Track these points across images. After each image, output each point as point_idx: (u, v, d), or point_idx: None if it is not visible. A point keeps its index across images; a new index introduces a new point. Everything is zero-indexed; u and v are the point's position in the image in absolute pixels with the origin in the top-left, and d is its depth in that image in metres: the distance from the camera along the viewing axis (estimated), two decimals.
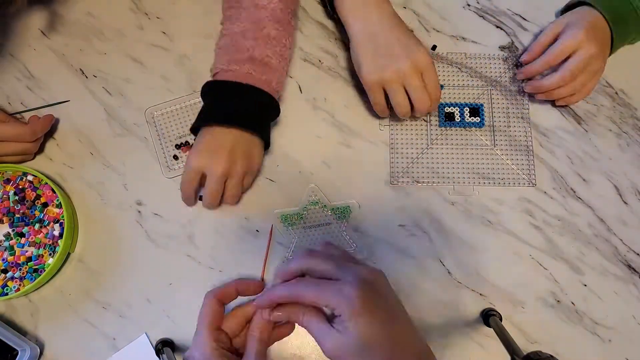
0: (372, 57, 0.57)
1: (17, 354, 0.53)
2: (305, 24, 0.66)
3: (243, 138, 0.54)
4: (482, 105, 0.63)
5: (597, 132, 0.63)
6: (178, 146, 0.61)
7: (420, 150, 0.62)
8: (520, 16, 0.67)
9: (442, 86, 0.64)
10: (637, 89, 0.64)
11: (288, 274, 0.44)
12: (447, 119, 0.63)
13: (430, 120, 0.63)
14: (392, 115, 0.60)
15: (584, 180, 0.61)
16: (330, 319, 0.41)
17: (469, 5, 0.68)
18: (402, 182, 0.61)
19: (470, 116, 0.63)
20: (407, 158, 0.62)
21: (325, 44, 0.66)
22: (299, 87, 0.64)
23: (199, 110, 0.62)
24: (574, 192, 0.61)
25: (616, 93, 0.64)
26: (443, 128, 0.63)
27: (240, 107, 0.55)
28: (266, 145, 0.57)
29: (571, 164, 0.62)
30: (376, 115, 0.63)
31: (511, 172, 0.61)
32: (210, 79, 0.58)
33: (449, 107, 0.63)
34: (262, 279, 0.57)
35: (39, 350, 0.55)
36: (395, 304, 0.42)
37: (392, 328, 0.40)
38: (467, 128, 0.63)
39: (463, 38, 0.66)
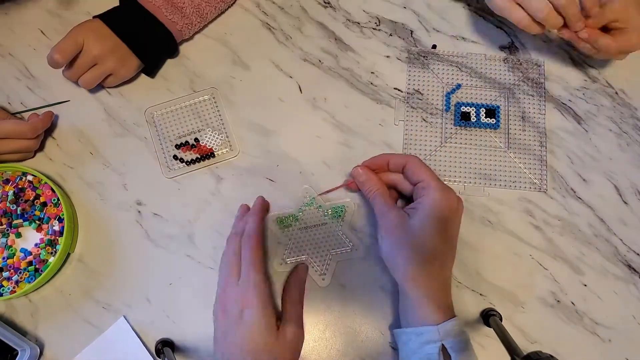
0: None
1: (17, 354, 0.53)
2: (305, 24, 0.66)
3: (125, 50, 0.59)
4: (498, 106, 0.63)
5: (597, 132, 0.63)
6: (178, 146, 0.61)
7: (433, 147, 0.62)
8: None
9: (459, 85, 0.64)
10: (637, 89, 0.64)
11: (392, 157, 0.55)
12: (463, 118, 0.62)
13: (445, 118, 0.63)
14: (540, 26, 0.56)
15: (584, 180, 0.61)
16: None
17: (469, 5, 0.68)
18: None
19: (486, 117, 0.63)
20: (420, 155, 0.62)
21: (325, 44, 0.66)
22: (299, 87, 0.64)
23: (198, 110, 0.62)
24: (574, 192, 0.61)
25: (616, 93, 0.64)
26: (458, 127, 0.63)
27: (138, 31, 0.59)
28: (147, 71, 0.63)
29: (571, 163, 0.62)
30: (376, 115, 0.63)
31: (523, 176, 0.61)
32: None
33: (465, 106, 0.63)
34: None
35: (39, 350, 0.55)
36: (456, 235, 0.52)
37: (443, 243, 0.49)
38: (482, 129, 0.62)
39: (463, 38, 0.66)
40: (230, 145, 0.61)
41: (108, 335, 0.56)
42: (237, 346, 0.45)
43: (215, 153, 0.61)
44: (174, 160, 0.61)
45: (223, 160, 0.61)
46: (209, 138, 0.61)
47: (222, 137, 0.61)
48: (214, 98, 0.63)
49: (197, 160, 0.60)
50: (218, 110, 0.62)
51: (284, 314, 0.50)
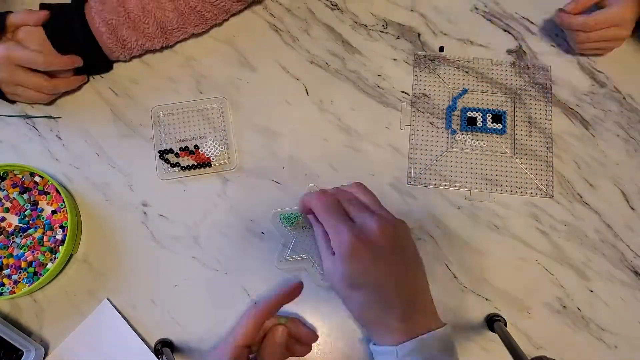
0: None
1: (22, 354, 0.53)
2: (312, 27, 0.66)
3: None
4: (504, 112, 0.63)
5: (604, 137, 0.63)
6: (177, 154, 0.61)
7: (439, 152, 0.62)
8: (528, 20, 0.67)
9: (465, 90, 0.64)
10: None
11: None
12: (469, 123, 0.62)
13: (452, 124, 0.63)
14: None
15: (590, 185, 0.61)
16: None
17: (476, 8, 0.67)
18: (420, 183, 0.61)
19: (492, 122, 0.62)
20: (426, 159, 0.62)
21: (332, 46, 0.66)
22: (306, 90, 0.64)
23: (205, 112, 0.62)
24: (581, 197, 0.61)
25: (624, 98, 0.64)
26: (464, 132, 0.62)
27: (76, 37, 0.57)
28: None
29: (578, 169, 0.61)
30: (383, 118, 0.63)
31: (529, 181, 0.61)
32: None
33: (472, 111, 0.63)
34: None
35: (43, 350, 0.55)
36: (391, 253, 0.45)
37: (377, 274, 0.44)
38: (488, 134, 0.62)
39: (470, 41, 0.66)
40: (229, 158, 0.61)
41: (92, 319, 0.56)
42: None
43: (212, 163, 0.60)
44: (168, 164, 0.60)
45: (219, 172, 0.61)
46: (209, 147, 0.61)
47: (222, 148, 0.61)
48: (221, 107, 0.62)
49: (193, 167, 0.60)
50: (224, 121, 0.62)
51: None
